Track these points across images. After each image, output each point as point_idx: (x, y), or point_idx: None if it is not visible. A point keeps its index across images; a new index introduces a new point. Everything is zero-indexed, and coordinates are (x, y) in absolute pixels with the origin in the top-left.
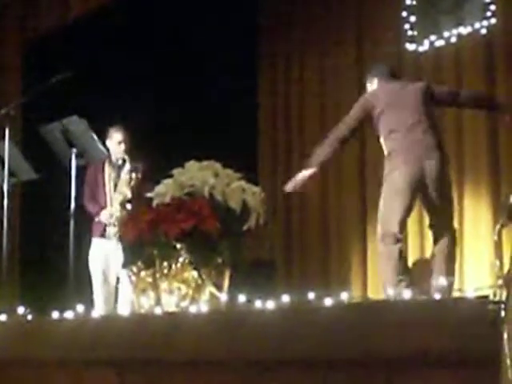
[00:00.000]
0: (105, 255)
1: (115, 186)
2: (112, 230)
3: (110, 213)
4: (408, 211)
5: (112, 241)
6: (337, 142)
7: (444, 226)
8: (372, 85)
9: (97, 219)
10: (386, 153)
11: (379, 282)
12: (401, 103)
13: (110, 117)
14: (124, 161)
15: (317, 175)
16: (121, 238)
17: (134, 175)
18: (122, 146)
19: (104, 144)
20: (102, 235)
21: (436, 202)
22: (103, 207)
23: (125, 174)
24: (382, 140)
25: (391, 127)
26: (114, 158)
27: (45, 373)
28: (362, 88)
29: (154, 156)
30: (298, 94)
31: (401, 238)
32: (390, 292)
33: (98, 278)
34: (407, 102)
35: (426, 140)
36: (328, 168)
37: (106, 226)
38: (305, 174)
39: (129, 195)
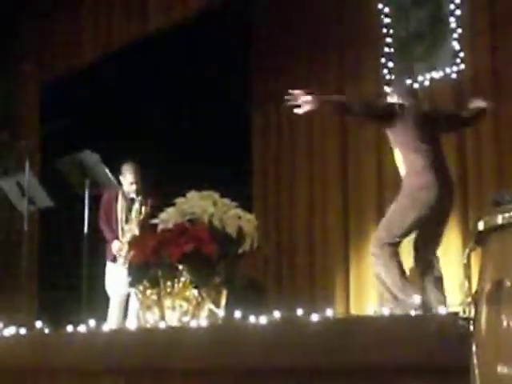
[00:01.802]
0: (117, 275)
1: (126, 218)
2: (121, 261)
3: (120, 247)
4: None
5: (121, 266)
6: (343, 108)
7: (434, 250)
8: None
9: (109, 245)
10: (412, 168)
11: (363, 297)
12: (431, 123)
13: (123, 151)
14: (134, 199)
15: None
16: (128, 265)
17: (143, 209)
18: (134, 187)
19: (117, 178)
20: (113, 260)
21: (441, 225)
22: (115, 232)
23: (135, 211)
24: (404, 153)
25: (421, 143)
26: (126, 190)
27: (60, 381)
28: (346, 129)
29: (161, 186)
30: (288, 134)
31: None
32: (401, 295)
33: (113, 296)
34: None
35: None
36: (314, 197)
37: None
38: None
39: (137, 232)
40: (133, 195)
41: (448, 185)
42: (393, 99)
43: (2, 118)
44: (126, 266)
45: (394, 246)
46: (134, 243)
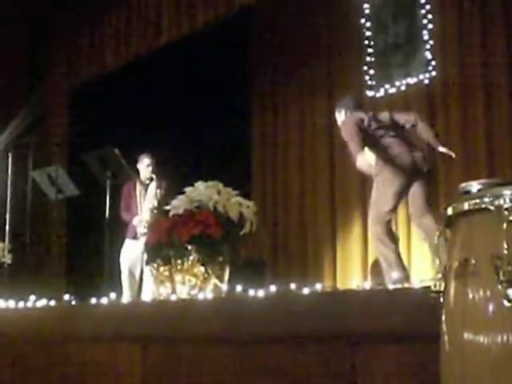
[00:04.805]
0: (134, 254)
1: (144, 199)
2: (141, 230)
3: (141, 217)
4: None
5: (141, 241)
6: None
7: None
8: (341, 114)
9: (130, 224)
10: (376, 158)
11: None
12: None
13: (140, 148)
14: (151, 179)
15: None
16: (144, 245)
17: (158, 191)
18: (150, 168)
19: (135, 167)
20: (134, 237)
21: (423, 186)
22: (135, 215)
23: (152, 189)
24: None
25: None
26: (143, 178)
27: (85, 346)
28: (333, 129)
29: (174, 176)
30: (284, 134)
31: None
32: (394, 275)
33: (125, 271)
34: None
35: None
36: (306, 191)
37: (137, 229)
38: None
39: (155, 203)
40: (148, 180)
41: (415, 150)
42: (341, 113)
43: (36, 120)
44: (144, 240)
45: (386, 223)
46: (150, 226)
